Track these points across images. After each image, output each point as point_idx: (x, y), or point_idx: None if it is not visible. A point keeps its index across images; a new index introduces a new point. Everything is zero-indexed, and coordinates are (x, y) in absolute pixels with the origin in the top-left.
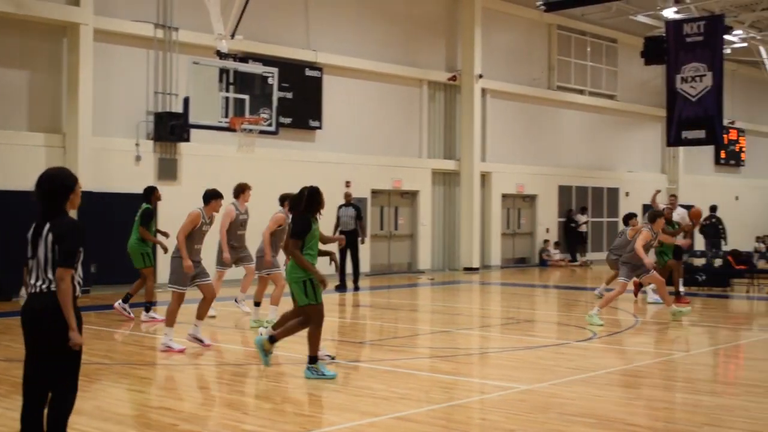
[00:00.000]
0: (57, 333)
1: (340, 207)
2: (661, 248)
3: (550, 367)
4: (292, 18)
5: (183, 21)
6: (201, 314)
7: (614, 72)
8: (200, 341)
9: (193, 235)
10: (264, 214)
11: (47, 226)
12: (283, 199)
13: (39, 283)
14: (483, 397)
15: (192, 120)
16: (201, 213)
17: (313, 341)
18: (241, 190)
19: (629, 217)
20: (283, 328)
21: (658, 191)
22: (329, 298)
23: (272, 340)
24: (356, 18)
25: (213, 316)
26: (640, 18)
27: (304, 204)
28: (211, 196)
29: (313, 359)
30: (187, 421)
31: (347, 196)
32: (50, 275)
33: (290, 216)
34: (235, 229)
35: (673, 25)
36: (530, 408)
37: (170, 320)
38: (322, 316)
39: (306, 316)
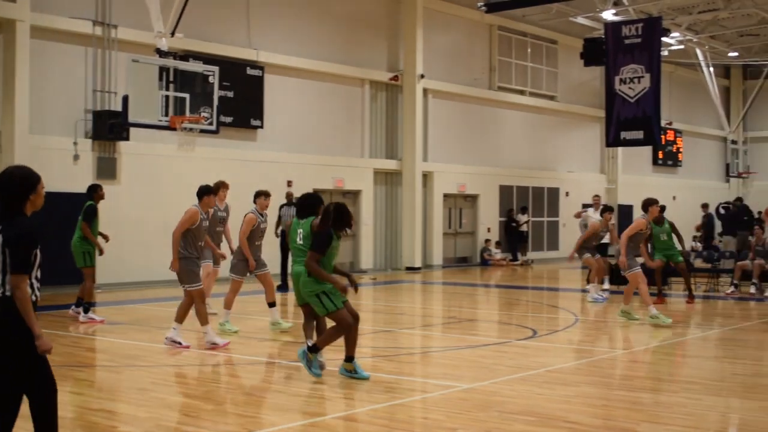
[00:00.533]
0: (12, 342)
1: (282, 206)
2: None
3: (491, 365)
4: (233, 16)
5: (122, 18)
6: (180, 317)
7: (554, 73)
8: (178, 343)
9: (193, 233)
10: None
11: None
12: (256, 195)
13: None
14: (425, 396)
15: (131, 118)
16: (198, 210)
17: (349, 342)
18: (216, 189)
19: (605, 210)
20: (322, 336)
21: (588, 207)
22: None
23: (314, 349)
24: (298, 17)
25: (214, 313)
26: (580, 20)
27: (332, 220)
28: (204, 192)
29: (349, 359)
30: (126, 423)
31: (289, 195)
32: (3, 281)
33: (262, 215)
34: (212, 228)
35: (612, 27)
36: (471, 406)
37: (180, 316)
38: (347, 319)
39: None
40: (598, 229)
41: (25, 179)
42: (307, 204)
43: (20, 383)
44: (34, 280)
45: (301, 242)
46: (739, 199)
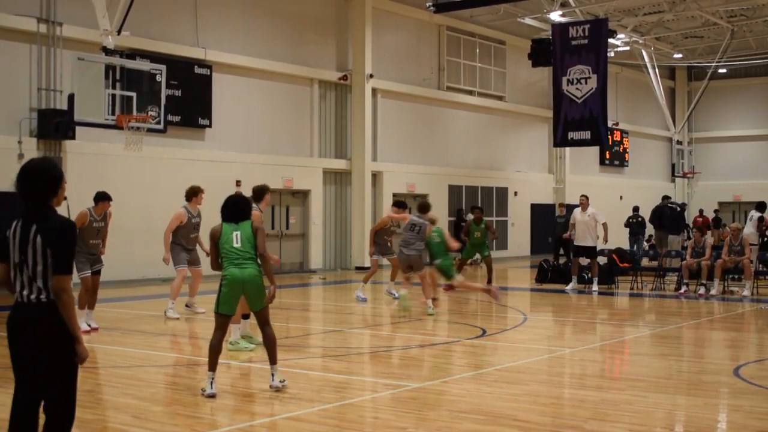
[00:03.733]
0: (48, 348)
1: None
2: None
3: (441, 364)
4: (180, 15)
5: (67, 16)
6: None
7: (503, 73)
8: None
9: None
10: (155, 213)
11: (34, 227)
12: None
13: (26, 292)
14: (375, 396)
15: (77, 117)
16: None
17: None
18: (193, 194)
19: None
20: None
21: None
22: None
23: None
24: (246, 16)
25: (202, 312)
26: (528, 21)
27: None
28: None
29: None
30: (74, 426)
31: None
32: (40, 283)
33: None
34: (188, 233)
35: (559, 29)
36: (421, 406)
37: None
38: None
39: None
40: (387, 224)
41: (53, 170)
42: (239, 206)
43: (41, 396)
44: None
45: (238, 245)
46: (682, 203)
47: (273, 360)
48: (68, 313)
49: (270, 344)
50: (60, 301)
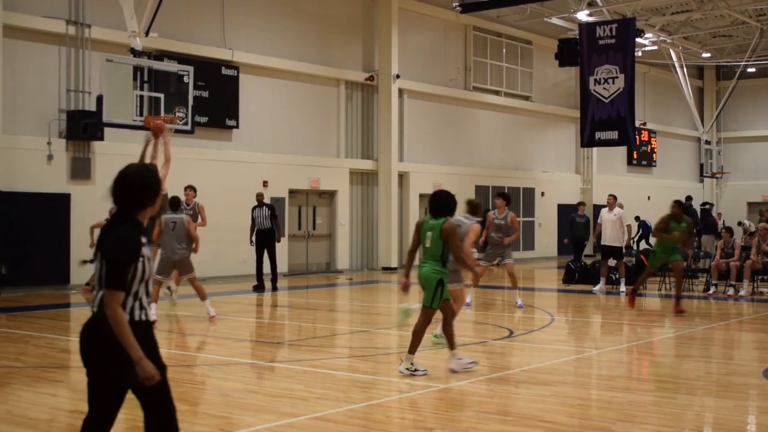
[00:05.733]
0: (89, 363)
1: (254, 208)
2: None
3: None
4: (207, 16)
5: (96, 18)
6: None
7: (529, 73)
8: None
9: None
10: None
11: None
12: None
13: (94, 301)
14: (401, 396)
15: (106, 118)
16: None
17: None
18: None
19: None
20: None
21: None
22: (246, 299)
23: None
24: (272, 17)
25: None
26: (554, 20)
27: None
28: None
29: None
30: None
31: (260, 196)
32: (98, 294)
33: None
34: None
35: (586, 28)
36: (448, 406)
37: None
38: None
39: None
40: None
41: (143, 181)
42: (441, 201)
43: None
44: (142, 298)
45: (428, 245)
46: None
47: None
48: (116, 330)
49: (413, 334)
50: (107, 317)
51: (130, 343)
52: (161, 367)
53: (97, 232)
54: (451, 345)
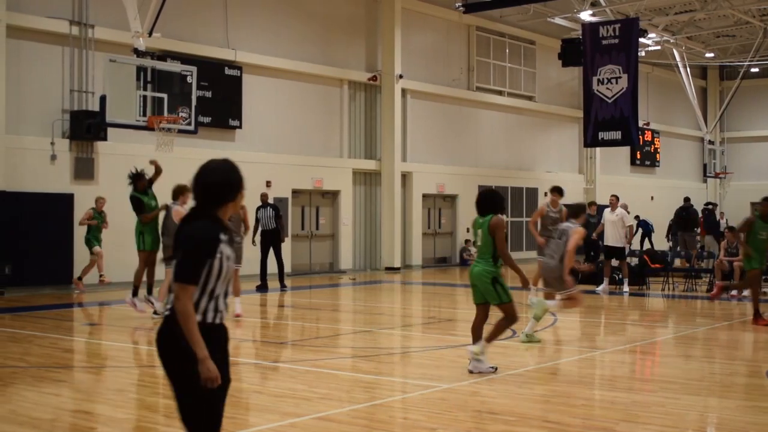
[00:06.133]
0: (166, 363)
1: (258, 209)
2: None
3: None
4: (210, 16)
5: (99, 18)
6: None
7: (532, 73)
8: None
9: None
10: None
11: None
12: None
13: (167, 304)
14: (404, 396)
15: (109, 118)
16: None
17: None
18: (180, 192)
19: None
20: (492, 330)
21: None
22: (249, 299)
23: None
24: (276, 17)
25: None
26: (558, 20)
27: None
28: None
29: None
30: (105, 424)
31: (264, 196)
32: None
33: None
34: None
35: (590, 28)
36: (451, 406)
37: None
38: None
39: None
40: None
41: (222, 177)
42: (489, 200)
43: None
44: (219, 299)
45: (479, 242)
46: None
47: (487, 338)
48: (182, 324)
49: (494, 325)
50: (174, 310)
51: (196, 339)
52: (226, 380)
53: (84, 228)
54: (481, 338)
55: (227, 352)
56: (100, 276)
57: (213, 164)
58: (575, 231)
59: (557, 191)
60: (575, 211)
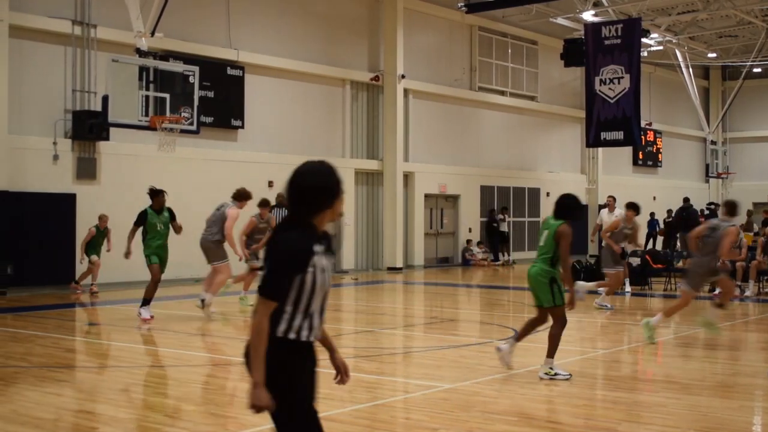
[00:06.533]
0: (269, 385)
1: (272, 208)
2: None
3: (473, 365)
4: (213, 16)
5: (101, 18)
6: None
7: (534, 73)
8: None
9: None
10: (188, 213)
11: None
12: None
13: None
14: (407, 396)
15: (111, 118)
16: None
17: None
18: (244, 197)
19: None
20: (549, 344)
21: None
22: (253, 299)
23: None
24: (278, 17)
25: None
26: (560, 21)
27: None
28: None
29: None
30: (107, 424)
31: (279, 197)
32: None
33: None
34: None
35: (592, 28)
36: (453, 407)
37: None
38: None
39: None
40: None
41: (320, 189)
42: (566, 205)
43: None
44: (314, 315)
45: (542, 243)
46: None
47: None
48: (252, 340)
49: (548, 339)
50: (260, 331)
51: (258, 360)
52: (312, 410)
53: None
54: (525, 336)
55: (316, 375)
56: (91, 285)
57: (308, 166)
58: (728, 229)
59: (633, 207)
60: (731, 208)
